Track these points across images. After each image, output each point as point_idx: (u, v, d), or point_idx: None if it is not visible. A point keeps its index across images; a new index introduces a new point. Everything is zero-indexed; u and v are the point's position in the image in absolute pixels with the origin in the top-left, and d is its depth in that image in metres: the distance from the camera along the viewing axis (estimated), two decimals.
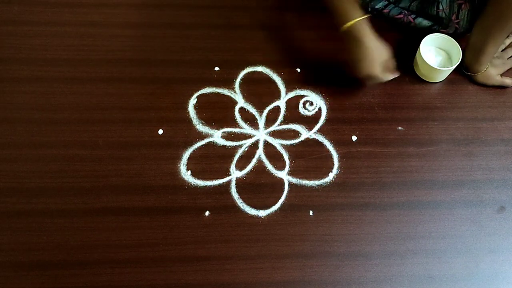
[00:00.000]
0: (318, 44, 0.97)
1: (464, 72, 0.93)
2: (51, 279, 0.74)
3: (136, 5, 1.01)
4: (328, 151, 0.86)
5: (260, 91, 0.91)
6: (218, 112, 0.89)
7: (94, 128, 0.86)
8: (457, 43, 0.91)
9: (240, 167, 0.84)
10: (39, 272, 0.74)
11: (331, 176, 0.84)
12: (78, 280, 0.74)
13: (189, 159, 0.84)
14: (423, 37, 0.91)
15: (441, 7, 0.90)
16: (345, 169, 0.84)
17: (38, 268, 0.74)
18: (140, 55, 0.94)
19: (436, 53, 0.94)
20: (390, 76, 0.87)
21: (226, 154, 0.85)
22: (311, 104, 0.90)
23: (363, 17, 0.79)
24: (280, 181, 0.83)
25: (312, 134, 0.88)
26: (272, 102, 0.90)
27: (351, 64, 0.84)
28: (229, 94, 0.91)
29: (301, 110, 0.90)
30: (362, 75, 0.84)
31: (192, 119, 0.88)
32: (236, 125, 0.88)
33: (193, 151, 0.85)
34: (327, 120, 0.89)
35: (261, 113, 0.89)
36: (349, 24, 0.79)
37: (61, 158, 0.83)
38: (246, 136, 0.87)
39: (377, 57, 0.82)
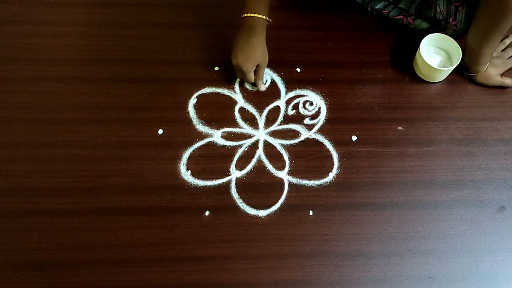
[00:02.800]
0: (318, 44, 0.97)
1: (464, 72, 0.94)
2: (51, 279, 0.74)
3: (136, 4, 1.01)
4: (328, 151, 0.86)
5: (260, 91, 0.91)
6: (218, 112, 0.89)
7: (94, 128, 0.86)
8: (457, 43, 0.91)
9: (240, 167, 0.84)
10: (39, 272, 0.74)
11: (331, 176, 0.84)
12: (78, 280, 0.74)
13: (189, 159, 0.84)
14: (423, 37, 0.91)
15: (438, 9, 0.90)
16: (345, 169, 0.84)
17: (38, 268, 0.74)
18: (140, 55, 0.94)
19: (436, 53, 0.94)
20: (258, 81, 0.89)
21: (226, 154, 0.85)
22: (311, 104, 0.90)
23: (267, 19, 0.83)
24: (280, 181, 0.83)
25: (312, 134, 0.88)
26: (272, 102, 0.90)
27: (233, 49, 0.86)
28: (229, 94, 0.91)
29: (301, 110, 0.90)
30: (234, 63, 0.86)
31: (192, 119, 0.88)
32: (236, 125, 0.88)
33: (193, 151, 0.85)
34: (327, 120, 0.89)
35: (261, 113, 0.89)
36: (252, 15, 0.81)
37: (61, 158, 0.83)
38: (246, 136, 0.87)
39: (256, 56, 0.85)
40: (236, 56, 0.85)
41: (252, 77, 0.87)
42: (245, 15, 0.82)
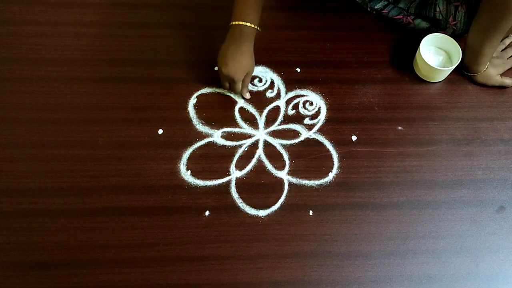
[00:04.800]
0: (318, 44, 0.97)
1: (464, 72, 0.94)
2: (51, 279, 0.74)
3: (136, 5, 1.01)
4: (328, 151, 0.86)
5: (260, 91, 0.91)
6: (218, 112, 0.89)
7: (94, 128, 0.86)
8: (457, 43, 0.91)
9: (240, 167, 0.84)
10: (39, 272, 0.74)
11: (331, 176, 0.84)
12: (78, 280, 0.74)
13: (189, 159, 0.84)
14: (423, 37, 0.91)
15: (438, 9, 0.90)
16: (345, 169, 0.84)
17: (38, 268, 0.74)
18: (140, 55, 0.94)
19: (436, 53, 0.94)
20: (244, 90, 0.88)
21: (226, 154, 0.85)
22: (311, 104, 0.90)
23: (256, 28, 0.81)
24: (280, 181, 0.83)
25: (312, 134, 0.88)
26: (272, 102, 0.90)
27: (220, 57, 0.84)
28: (229, 94, 0.91)
29: (301, 110, 0.90)
30: (225, 72, 0.83)
31: (192, 119, 0.88)
32: (236, 125, 0.88)
33: (193, 151, 0.85)
34: (327, 120, 0.89)
35: (261, 113, 0.89)
36: (240, 23, 0.79)
37: (61, 158, 0.83)
38: (246, 136, 0.87)
39: (247, 64, 0.83)
40: (226, 65, 0.82)
41: (240, 86, 0.86)
42: (234, 23, 0.80)
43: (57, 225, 0.77)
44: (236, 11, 0.80)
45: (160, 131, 0.86)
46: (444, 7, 0.90)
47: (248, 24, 0.80)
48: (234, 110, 0.89)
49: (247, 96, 0.89)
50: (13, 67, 0.92)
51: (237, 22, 0.80)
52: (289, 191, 0.82)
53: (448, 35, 0.92)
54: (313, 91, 0.92)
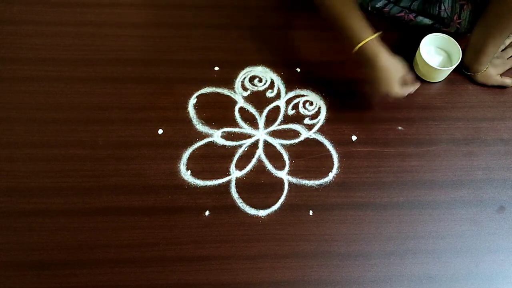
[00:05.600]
0: (318, 44, 0.97)
1: (464, 72, 0.94)
2: (51, 279, 0.74)
3: (136, 5, 1.01)
4: (328, 151, 0.86)
5: (260, 91, 0.91)
6: (218, 112, 0.89)
7: (94, 128, 0.86)
8: (457, 43, 0.91)
9: (240, 167, 0.84)
10: (39, 272, 0.74)
11: (331, 176, 0.84)
12: (78, 280, 0.74)
13: (189, 159, 0.84)
14: (423, 37, 0.91)
15: (443, 7, 0.90)
16: (345, 169, 0.84)
17: (38, 268, 0.74)
18: (140, 55, 0.94)
19: (436, 53, 0.94)
20: (409, 90, 0.85)
21: (226, 154, 0.85)
22: (311, 104, 0.90)
23: (375, 35, 0.78)
24: (280, 181, 0.83)
25: (312, 134, 0.88)
26: (272, 102, 0.90)
27: (368, 85, 0.83)
28: (229, 94, 0.91)
29: (301, 110, 0.90)
30: (381, 94, 0.82)
31: (192, 119, 0.88)
32: (236, 125, 0.88)
33: (193, 151, 0.85)
34: (327, 120, 0.89)
35: (261, 113, 0.89)
36: (361, 44, 0.77)
37: (61, 158, 0.83)
38: (246, 136, 0.87)
39: (393, 74, 0.80)
40: (378, 87, 0.80)
41: (406, 91, 0.83)
42: (358, 47, 0.77)
43: (57, 225, 0.77)
44: (350, 35, 0.78)
45: (160, 131, 0.86)
46: (450, 5, 0.90)
47: (371, 38, 0.77)
48: (234, 110, 0.89)
49: (416, 86, 0.86)
50: (13, 67, 0.92)
51: (359, 46, 0.77)
52: (289, 191, 0.82)
53: (451, 33, 0.92)
54: (313, 91, 0.92)
